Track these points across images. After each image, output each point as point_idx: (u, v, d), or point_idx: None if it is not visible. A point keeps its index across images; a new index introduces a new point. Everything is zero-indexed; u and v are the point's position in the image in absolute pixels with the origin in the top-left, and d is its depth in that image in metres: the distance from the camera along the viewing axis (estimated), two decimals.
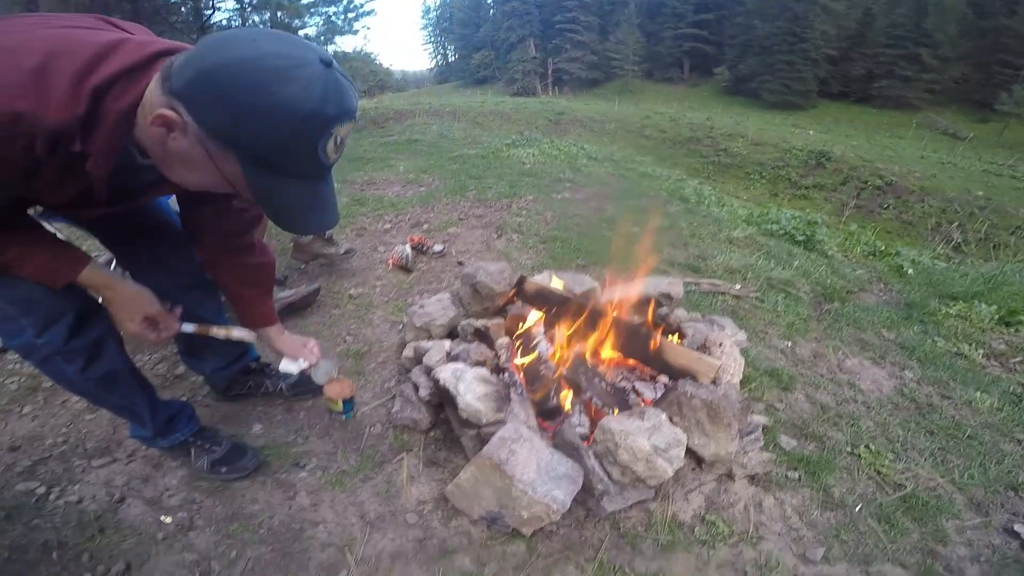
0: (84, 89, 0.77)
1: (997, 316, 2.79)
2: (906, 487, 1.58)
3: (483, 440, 1.41)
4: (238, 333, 1.37)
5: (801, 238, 4.42)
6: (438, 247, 2.90)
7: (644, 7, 46.96)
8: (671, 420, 1.34)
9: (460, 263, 2.83)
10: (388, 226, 3.41)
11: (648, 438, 1.23)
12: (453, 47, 73.74)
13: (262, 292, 1.45)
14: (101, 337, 1.19)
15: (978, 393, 2.07)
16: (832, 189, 16.81)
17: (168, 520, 1.36)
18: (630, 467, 1.24)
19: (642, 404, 1.54)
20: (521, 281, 1.75)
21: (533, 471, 1.23)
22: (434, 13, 77.21)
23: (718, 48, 42.54)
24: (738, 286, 2.73)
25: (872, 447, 1.72)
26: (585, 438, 1.46)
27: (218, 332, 1.35)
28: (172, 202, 1.45)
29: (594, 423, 1.52)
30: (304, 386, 1.78)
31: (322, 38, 17.86)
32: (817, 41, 34.56)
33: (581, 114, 20.29)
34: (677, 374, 1.47)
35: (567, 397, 1.52)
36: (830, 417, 1.86)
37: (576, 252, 3.02)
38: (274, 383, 1.76)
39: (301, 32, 17.37)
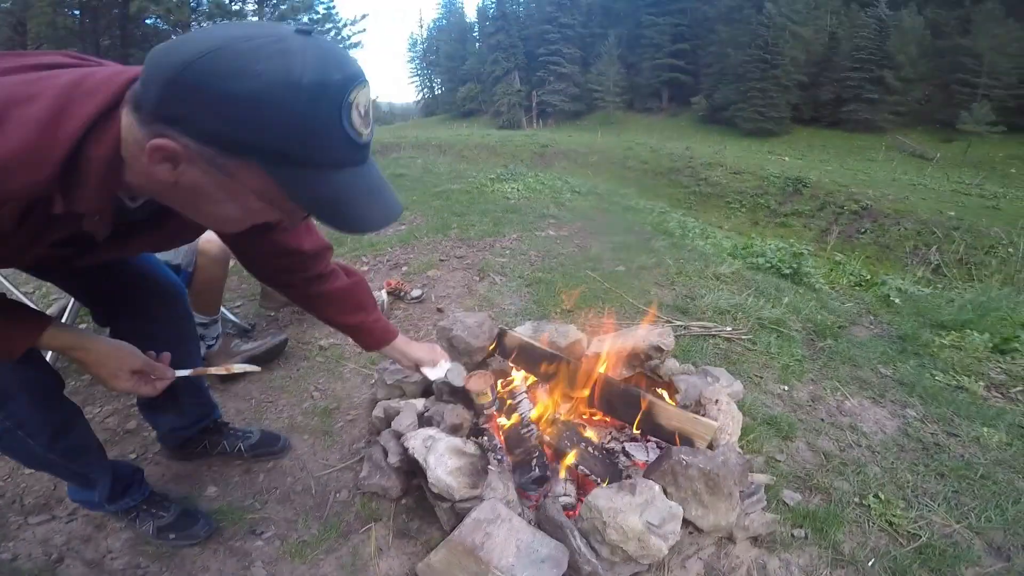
0: (57, 139, 0.63)
1: (991, 344, 2.73)
2: (921, 536, 1.47)
3: (458, 513, 1.28)
4: (239, 368, 1.24)
5: (788, 271, 4.38)
6: (416, 292, 2.78)
7: (624, 38, 48.44)
8: (665, 492, 1.22)
9: (439, 310, 2.71)
10: (365, 268, 3.30)
11: (640, 515, 1.11)
12: (440, 80, 75.28)
13: (368, 311, 1.35)
14: (72, 412, 1.15)
15: (984, 428, 1.98)
16: (810, 215, 17.11)
17: None
18: (620, 547, 1.11)
19: (634, 466, 1.41)
20: (501, 335, 1.63)
21: (512, 556, 1.10)
22: (421, 46, 79.07)
23: (694, 77, 43.93)
24: (729, 328, 2.64)
25: (881, 495, 1.62)
26: (572, 507, 1.33)
27: (218, 371, 1.23)
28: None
29: (582, 490, 1.38)
30: (264, 448, 1.67)
31: None
32: (787, 67, 35.70)
33: (565, 146, 20.66)
34: (670, 438, 1.35)
35: (549, 464, 1.38)
36: (835, 466, 1.75)
37: (561, 295, 2.92)
38: (231, 443, 1.64)
39: None
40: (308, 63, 0.61)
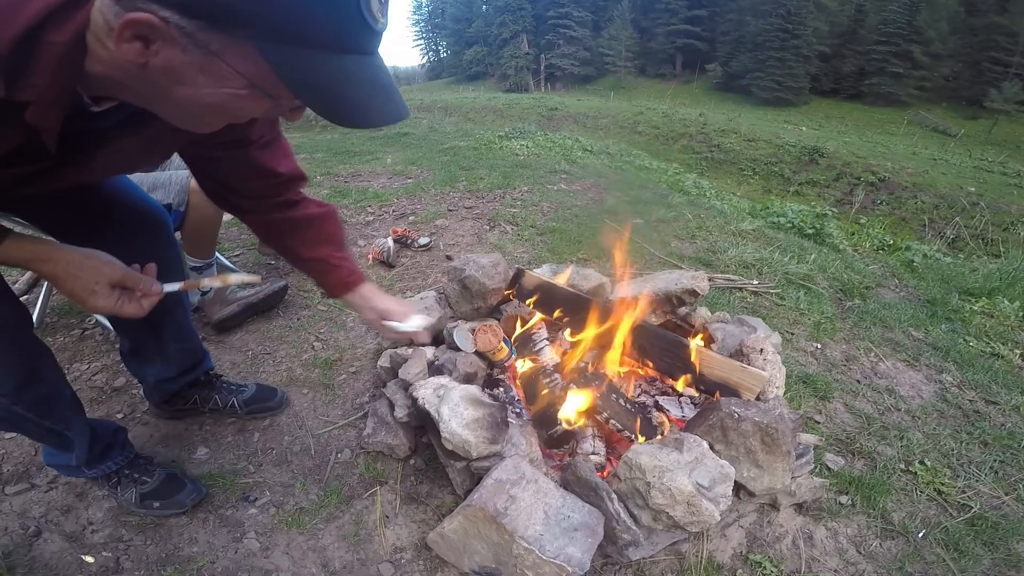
0: (9, 17, 0.53)
1: (1021, 313, 2.62)
2: (971, 507, 1.40)
3: (474, 474, 1.14)
4: (237, 278, 1.05)
5: (810, 231, 4.22)
6: (424, 240, 2.62)
7: (637, 3, 46.67)
8: (712, 448, 1.07)
9: (448, 257, 2.55)
10: (370, 218, 3.12)
11: (688, 475, 0.96)
12: (445, 43, 73.08)
13: (336, 246, 1.18)
14: (41, 354, 1.02)
15: None
16: (825, 185, 16.72)
17: (90, 560, 1.17)
18: (666, 511, 0.97)
19: (667, 424, 1.27)
20: (518, 275, 1.47)
21: (540, 523, 0.95)
22: (426, 8, 76.50)
23: (710, 44, 42.43)
24: (755, 281, 2.48)
25: (927, 462, 1.53)
26: (601, 468, 1.19)
27: (213, 281, 1.04)
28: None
29: (611, 448, 1.25)
30: (259, 403, 1.53)
31: None
32: (809, 38, 34.51)
33: (574, 110, 20.13)
34: (712, 388, 1.20)
35: (578, 419, 1.23)
36: (876, 429, 1.65)
37: (576, 244, 2.75)
38: (224, 398, 1.49)
39: None
40: None
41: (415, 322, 1.15)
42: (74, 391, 1.14)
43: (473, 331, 1.39)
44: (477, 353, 1.38)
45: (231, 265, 2.28)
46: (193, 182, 1.72)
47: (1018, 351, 2.24)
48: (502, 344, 1.35)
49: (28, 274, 2.03)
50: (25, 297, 2.01)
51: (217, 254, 2.18)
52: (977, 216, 13.15)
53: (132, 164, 0.98)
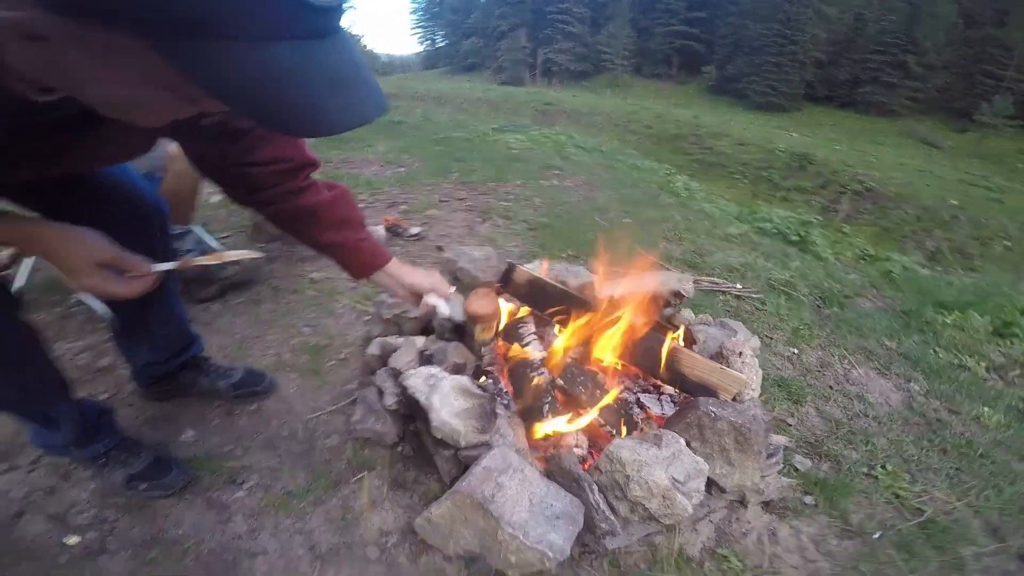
0: None
1: (991, 327, 2.72)
2: (925, 511, 1.45)
3: (462, 462, 1.17)
4: (235, 254, 1.03)
5: (795, 238, 4.32)
6: (415, 229, 2.64)
7: (637, 2, 46.68)
8: (689, 445, 1.12)
9: (439, 248, 2.57)
10: (361, 206, 3.11)
11: (665, 469, 1.01)
12: (443, 33, 72.46)
13: (354, 228, 1.14)
14: (27, 336, 0.97)
15: (985, 408, 1.95)
16: (812, 192, 16.96)
17: (73, 541, 1.15)
18: (642, 503, 1.02)
19: (648, 419, 1.32)
20: (510, 270, 1.50)
21: (525, 510, 0.99)
22: None
23: (708, 47, 42.58)
24: (739, 285, 2.54)
25: (888, 467, 1.58)
26: (583, 460, 1.24)
27: (209, 260, 0.99)
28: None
29: (593, 442, 1.29)
30: (247, 387, 1.53)
31: None
32: (807, 44, 34.74)
33: (569, 106, 20.14)
34: (692, 388, 1.25)
35: (565, 412, 1.27)
36: (843, 434, 1.71)
37: (567, 241, 2.79)
38: (211, 381, 1.49)
39: None
40: None
41: (456, 308, 1.21)
42: (62, 373, 1.12)
43: (468, 296, 1.37)
44: (465, 339, 1.41)
45: (212, 242, 2.25)
46: (171, 147, 1.71)
47: (984, 363, 2.31)
48: (493, 325, 1.36)
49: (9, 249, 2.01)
50: (4, 272, 1.98)
51: (196, 229, 2.16)
52: (957, 229, 13.47)
53: (114, 153, 0.92)
